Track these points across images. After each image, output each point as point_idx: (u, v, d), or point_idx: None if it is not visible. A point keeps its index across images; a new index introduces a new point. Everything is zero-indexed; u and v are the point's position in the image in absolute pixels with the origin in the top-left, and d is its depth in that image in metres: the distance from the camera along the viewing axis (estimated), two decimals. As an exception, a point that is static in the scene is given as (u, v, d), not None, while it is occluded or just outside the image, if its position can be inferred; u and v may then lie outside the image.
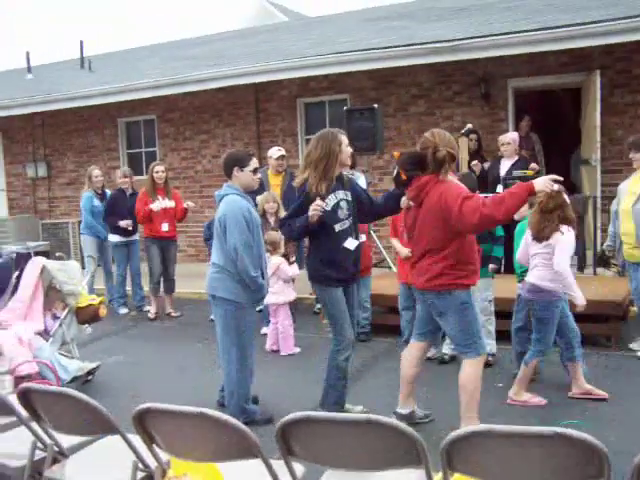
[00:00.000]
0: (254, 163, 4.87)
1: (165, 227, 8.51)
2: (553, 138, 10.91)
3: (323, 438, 2.44)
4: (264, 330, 7.18)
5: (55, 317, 5.88)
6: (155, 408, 2.55)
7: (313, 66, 10.64)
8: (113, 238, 8.86)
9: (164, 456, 2.78)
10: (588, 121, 9.63)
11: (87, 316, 5.87)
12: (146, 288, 8.97)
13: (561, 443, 2.16)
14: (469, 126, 8.67)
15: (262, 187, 7.10)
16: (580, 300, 4.95)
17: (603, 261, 8.15)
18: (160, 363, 6.60)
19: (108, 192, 9.24)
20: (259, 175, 4.98)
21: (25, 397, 2.93)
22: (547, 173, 9.42)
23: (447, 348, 6.14)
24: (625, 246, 6.21)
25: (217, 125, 12.69)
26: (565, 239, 4.93)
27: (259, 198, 7.26)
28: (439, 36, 10.12)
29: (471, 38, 9.54)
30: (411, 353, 4.65)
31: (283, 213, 7.30)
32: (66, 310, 5.84)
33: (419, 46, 9.86)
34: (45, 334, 5.73)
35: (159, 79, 11.90)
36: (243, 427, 2.43)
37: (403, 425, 2.28)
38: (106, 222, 8.83)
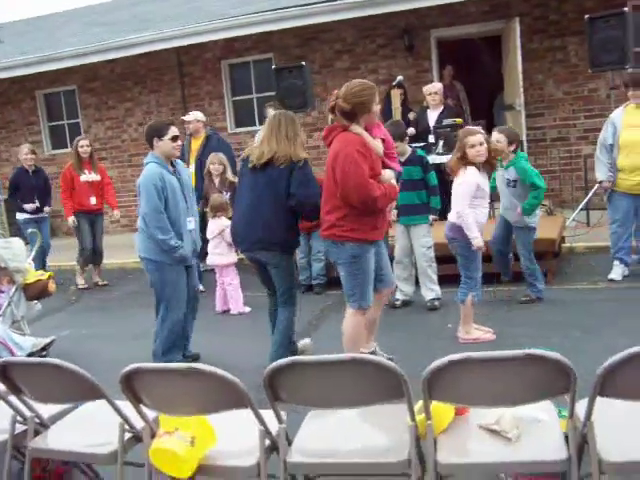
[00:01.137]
0: (172, 131, 5.03)
1: (93, 201, 8.63)
2: (476, 85, 11.17)
3: (309, 381, 2.57)
4: None
5: (0, 291, 5.81)
6: (143, 368, 2.62)
7: (237, 26, 10.56)
8: (21, 216, 8.78)
9: (151, 415, 2.85)
10: (510, 67, 9.91)
11: (36, 292, 5.81)
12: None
13: (532, 363, 2.36)
14: (400, 78, 8.81)
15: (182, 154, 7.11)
16: (476, 242, 5.06)
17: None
18: (113, 333, 6.59)
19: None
20: (179, 142, 5.12)
21: (4, 371, 2.94)
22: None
23: (399, 294, 6.34)
24: (630, 178, 6.40)
25: (141, 92, 12.47)
26: (462, 180, 5.10)
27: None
28: (360, -10, 10.16)
29: (392, -10, 9.64)
30: None
31: (230, 174, 7.39)
32: (14, 288, 5.76)
33: (341, 1, 9.91)
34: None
35: (80, 47, 11.55)
36: (232, 378, 2.53)
37: (387, 361, 2.43)
38: (11, 202, 8.80)
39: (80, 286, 8.79)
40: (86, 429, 3.13)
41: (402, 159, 5.93)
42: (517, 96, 9.62)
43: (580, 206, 8.68)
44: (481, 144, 5.03)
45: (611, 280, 6.48)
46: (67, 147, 13.00)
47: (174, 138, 5.02)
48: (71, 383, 2.83)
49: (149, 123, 5.34)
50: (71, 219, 8.56)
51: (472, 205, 5.06)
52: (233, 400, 2.61)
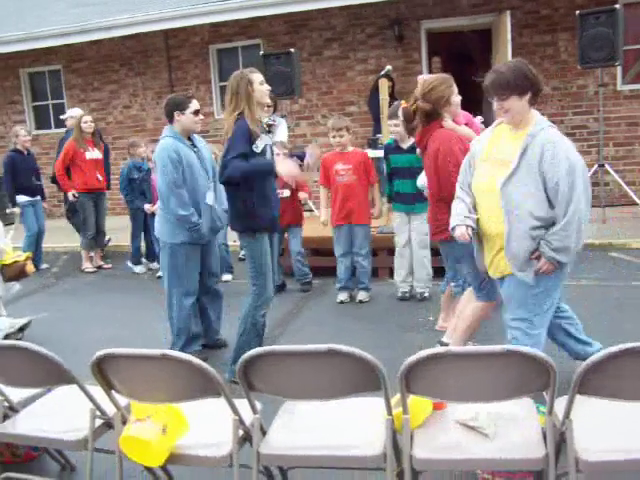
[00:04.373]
0: (194, 105, 4.88)
1: (99, 178, 8.44)
2: (465, 78, 11.10)
3: (284, 371, 2.51)
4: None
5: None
6: (115, 353, 2.56)
7: (224, 11, 10.44)
8: (20, 199, 8.45)
9: (123, 402, 2.79)
10: (499, 61, 9.85)
11: (13, 273, 5.69)
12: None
13: (511, 359, 2.32)
14: (389, 67, 8.75)
15: None
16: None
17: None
18: (91, 317, 6.51)
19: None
20: (201, 116, 4.94)
21: (-28, 354, 2.87)
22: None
23: (405, 285, 6.30)
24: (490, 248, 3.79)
25: (127, 74, 12.31)
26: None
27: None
28: (352, -22, 10.07)
29: (384, -21, 9.56)
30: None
31: None
32: (-10, 268, 5.66)
33: (332, -11, 9.82)
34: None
35: (65, 27, 11.35)
36: (205, 366, 2.48)
37: (363, 353, 2.38)
38: (9, 186, 8.41)
39: (88, 270, 8.50)
40: (57, 414, 3.07)
41: (404, 146, 5.89)
42: (506, 90, 9.57)
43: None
44: None
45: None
46: (51, 127, 12.89)
47: (196, 112, 4.87)
48: (41, 367, 2.76)
49: (170, 96, 5.12)
50: (71, 193, 8.31)
51: None
52: (207, 388, 2.55)
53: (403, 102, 4.75)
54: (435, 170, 4.25)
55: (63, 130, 10.37)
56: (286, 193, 6.51)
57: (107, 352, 2.56)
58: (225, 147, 4.30)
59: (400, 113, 5.76)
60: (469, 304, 4.48)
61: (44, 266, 8.80)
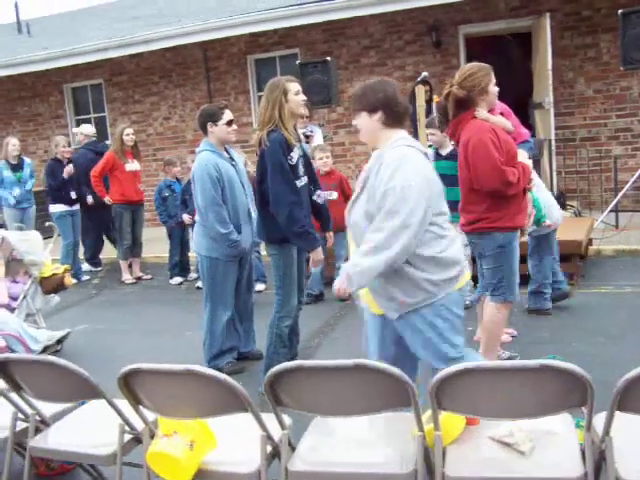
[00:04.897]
0: (227, 115, 4.81)
1: (138, 190, 8.55)
2: (507, 83, 10.94)
3: (311, 386, 2.46)
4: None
5: (14, 281, 5.78)
6: (142, 368, 2.53)
7: (262, 21, 10.48)
8: (57, 208, 8.56)
9: (151, 417, 2.77)
10: (540, 65, 9.69)
11: (52, 286, 5.77)
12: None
13: (546, 374, 2.22)
14: (425, 74, 8.64)
15: None
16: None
17: (560, 203, 8.30)
18: (130, 328, 6.55)
19: (27, 160, 9.08)
20: (234, 127, 4.87)
21: (3, 368, 2.87)
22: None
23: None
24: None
25: (167, 86, 12.44)
26: None
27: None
28: (388, -15, 10.01)
29: (420, -15, 9.48)
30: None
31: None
32: (29, 281, 5.73)
33: (368, -5, 9.77)
34: (9, 307, 5.62)
35: (105, 41, 11.56)
36: (231, 381, 2.43)
37: (391, 368, 2.31)
38: (51, 192, 8.57)
39: (128, 281, 8.54)
40: (87, 428, 3.07)
41: (443, 153, 5.83)
42: (546, 94, 9.39)
43: (609, 208, 8.45)
44: None
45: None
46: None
47: (229, 122, 4.80)
48: (70, 381, 2.75)
49: (202, 107, 5.02)
50: (106, 199, 8.39)
51: None
52: (233, 404, 2.51)
53: (435, 98, 4.67)
54: (466, 160, 4.16)
55: (105, 143, 10.58)
56: (334, 195, 6.41)
57: (133, 367, 2.53)
58: (263, 162, 4.22)
59: (435, 121, 5.71)
60: (486, 309, 4.39)
61: (85, 278, 8.92)
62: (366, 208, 3.00)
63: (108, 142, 11.07)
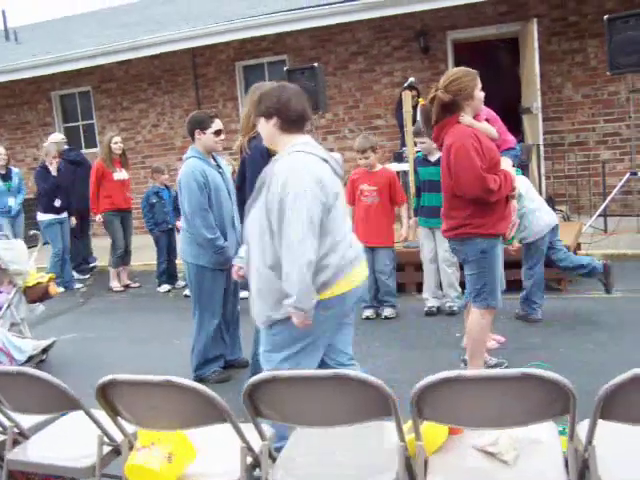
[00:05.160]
0: (216, 125, 4.80)
1: (126, 198, 8.53)
2: (496, 88, 10.96)
3: (290, 396, 2.42)
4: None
5: (-1, 291, 5.74)
6: (119, 379, 2.49)
7: (250, 27, 10.49)
8: (45, 217, 8.46)
9: (130, 428, 2.72)
10: (527, 70, 9.71)
11: (36, 295, 5.71)
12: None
13: (529, 383, 2.19)
14: (411, 79, 8.66)
15: None
16: None
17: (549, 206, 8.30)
18: (118, 336, 6.50)
19: (14, 170, 9.05)
20: (222, 137, 4.86)
21: (-20, 380, 2.82)
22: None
23: (434, 301, 6.23)
24: None
25: (155, 93, 12.42)
26: None
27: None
28: (375, -9, 10.02)
29: (407, -9, 9.49)
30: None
31: None
32: (13, 290, 5.67)
33: (356, 2, 9.77)
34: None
35: (93, 48, 11.52)
36: (210, 392, 2.39)
37: (371, 377, 2.27)
38: (40, 201, 8.50)
39: (116, 289, 8.53)
40: (67, 441, 3.01)
41: (432, 159, 5.82)
42: (534, 99, 9.41)
43: (597, 212, 8.46)
44: None
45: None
46: (82, 147, 13.00)
47: (217, 132, 4.79)
48: (48, 393, 2.70)
49: (192, 114, 5.03)
50: (99, 217, 8.37)
51: None
52: (213, 415, 2.46)
53: (421, 100, 4.64)
54: (448, 166, 4.13)
55: (93, 150, 10.54)
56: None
57: (110, 378, 2.49)
58: (243, 169, 4.22)
59: (420, 126, 5.70)
60: (470, 316, 4.37)
61: (77, 286, 8.88)
62: (260, 215, 3.03)
63: (83, 150, 11.06)
